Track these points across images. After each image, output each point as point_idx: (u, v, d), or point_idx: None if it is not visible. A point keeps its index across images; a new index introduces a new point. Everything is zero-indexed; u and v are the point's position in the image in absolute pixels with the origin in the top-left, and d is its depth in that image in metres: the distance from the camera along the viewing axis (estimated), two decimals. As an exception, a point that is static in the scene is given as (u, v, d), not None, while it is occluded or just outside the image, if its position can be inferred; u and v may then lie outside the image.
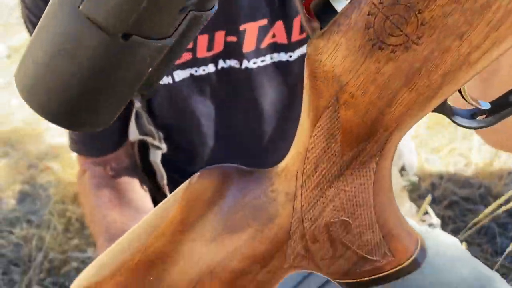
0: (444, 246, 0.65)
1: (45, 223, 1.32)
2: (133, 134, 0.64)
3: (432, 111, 0.24)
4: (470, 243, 1.23)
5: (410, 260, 0.26)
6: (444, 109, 0.24)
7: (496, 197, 1.35)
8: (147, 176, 0.71)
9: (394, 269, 0.26)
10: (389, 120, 0.23)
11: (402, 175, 0.80)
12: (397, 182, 0.83)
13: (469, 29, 0.20)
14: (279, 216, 0.27)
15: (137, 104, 0.61)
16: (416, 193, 1.36)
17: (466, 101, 0.25)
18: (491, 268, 0.64)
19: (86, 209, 0.67)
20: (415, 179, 0.76)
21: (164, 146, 0.65)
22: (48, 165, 1.53)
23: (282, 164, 0.27)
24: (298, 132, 0.26)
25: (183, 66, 0.57)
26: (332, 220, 0.26)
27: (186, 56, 0.57)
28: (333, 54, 0.22)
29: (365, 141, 0.24)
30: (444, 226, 1.26)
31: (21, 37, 2.59)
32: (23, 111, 1.89)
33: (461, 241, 1.17)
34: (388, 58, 0.21)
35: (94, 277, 0.31)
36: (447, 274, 0.59)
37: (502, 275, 0.83)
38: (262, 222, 0.27)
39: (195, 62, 0.58)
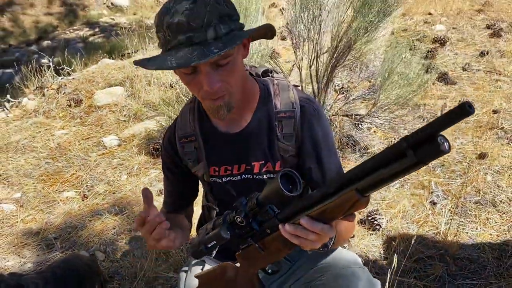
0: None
1: (144, 256, 2.05)
2: (203, 201, 1.37)
3: None
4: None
5: None
6: None
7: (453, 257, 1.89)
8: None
9: None
10: None
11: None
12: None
13: None
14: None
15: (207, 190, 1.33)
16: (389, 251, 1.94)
17: None
18: None
19: None
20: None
21: (217, 208, 1.36)
22: (147, 220, 2.29)
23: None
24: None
25: (227, 176, 1.28)
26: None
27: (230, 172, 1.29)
28: None
29: None
30: (409, 273, 1.82)
31: (128, 131, 3.46)
32: (130, 184, 2.72)
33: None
34: None
35: None
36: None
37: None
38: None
39: (233, 175, 1.28)
